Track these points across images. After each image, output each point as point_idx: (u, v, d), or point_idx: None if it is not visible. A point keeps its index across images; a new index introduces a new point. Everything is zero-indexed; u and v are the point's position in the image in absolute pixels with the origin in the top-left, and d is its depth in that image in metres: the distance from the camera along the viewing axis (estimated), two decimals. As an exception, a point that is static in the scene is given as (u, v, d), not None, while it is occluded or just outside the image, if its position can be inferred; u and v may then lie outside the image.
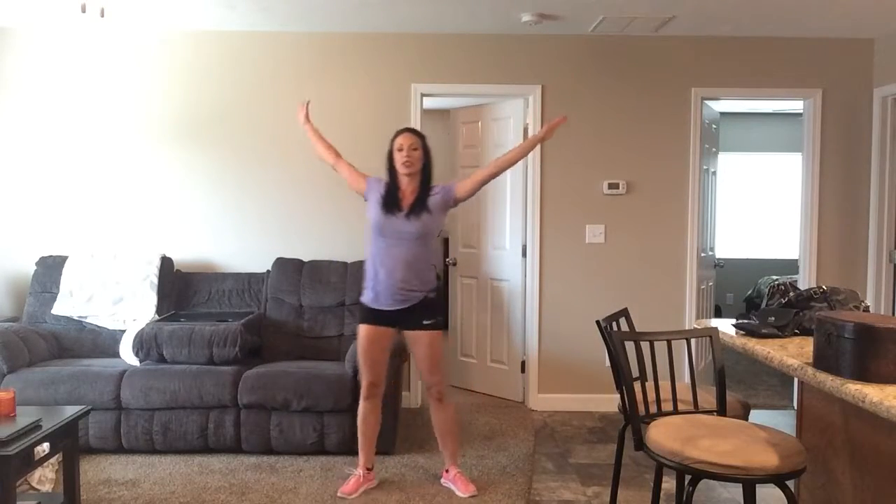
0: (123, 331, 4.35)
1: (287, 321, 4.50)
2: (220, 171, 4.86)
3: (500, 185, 5.02)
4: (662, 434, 2.19)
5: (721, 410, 2.55)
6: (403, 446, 4.12)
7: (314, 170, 4.73)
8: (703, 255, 5.09)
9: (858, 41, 4.87)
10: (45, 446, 2.76)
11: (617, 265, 4.93)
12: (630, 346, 2.52)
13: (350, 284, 4.51)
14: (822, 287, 2.71)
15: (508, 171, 5.07)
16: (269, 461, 3.89)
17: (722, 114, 7.00)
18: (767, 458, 2.01)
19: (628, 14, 4.37)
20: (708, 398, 2.63)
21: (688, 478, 2.25)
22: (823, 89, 4.87)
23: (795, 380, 4.68)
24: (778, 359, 2.27)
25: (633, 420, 2.40)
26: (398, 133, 3.43)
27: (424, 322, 3.38)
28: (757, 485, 2.09)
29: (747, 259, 8.39)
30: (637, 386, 2.56)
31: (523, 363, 5.04)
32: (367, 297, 3.43)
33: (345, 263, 4.66)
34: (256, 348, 4.35)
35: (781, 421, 4.70)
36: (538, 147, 4.80)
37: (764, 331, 2.58)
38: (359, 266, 4.31)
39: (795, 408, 3.40)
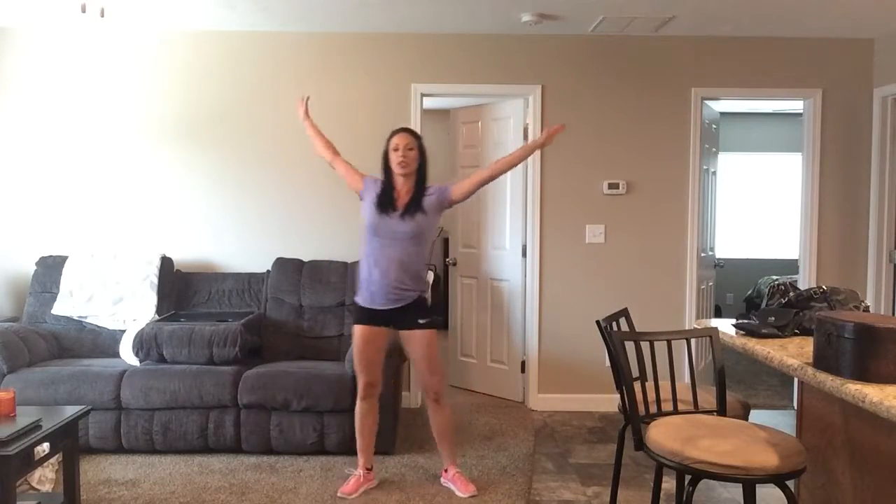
0: (123, 331, 4.35)
1: (287, 321, 4.50)
2: (220, 171, 4.87)
3: (500, 185, 5.02)
4: (662, 434, 2.19)
5: (721, 410, 2.55)
6: (403, 446, 4.12)
7: (314, 170, 4.73)
8: (703, 255, 5.09)
9: (858, 41, 4.87)
10: (45, 446, 2.76)
11: (617, 265, 4.93)
12: (630, 346, 2.52)
13: (350, 284, 4.51)
14: (822, 287, 2.71)
15: (508, 172, 5.10)
16: (269, 461, 3.89)
17: (722, 114, 7.00)
18: (767, 458, 2.01)
19: (628, 14, 4.37)
20: (708, 398, 2.63)
21: (688, 478, 2.25)
22: (823, 89, 4.87)
23: (795, 380, 4.68)
24: (778, 359, 2.27)
25: (633, 420, 2.40)
26: (394, 133, 3.43)
27: (420, 321, 3.38)
28: (757, 485, 2.09)
29: (747, 259, 8.39)
30: (637, 386, 2.56)
31: (523, 363, 5.05)
32: (361, 297, 3.43)
33: (345, 263, 4.67)
34: (256, 348, 4.35)
35: (781, 421, 4.70)
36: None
37: (764, 331, 2.58)
38: (358, 266, 4.31)
39: (795, 408, 3.40)
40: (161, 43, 4.82)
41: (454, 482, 3.50)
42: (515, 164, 3.53)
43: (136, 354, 4.07)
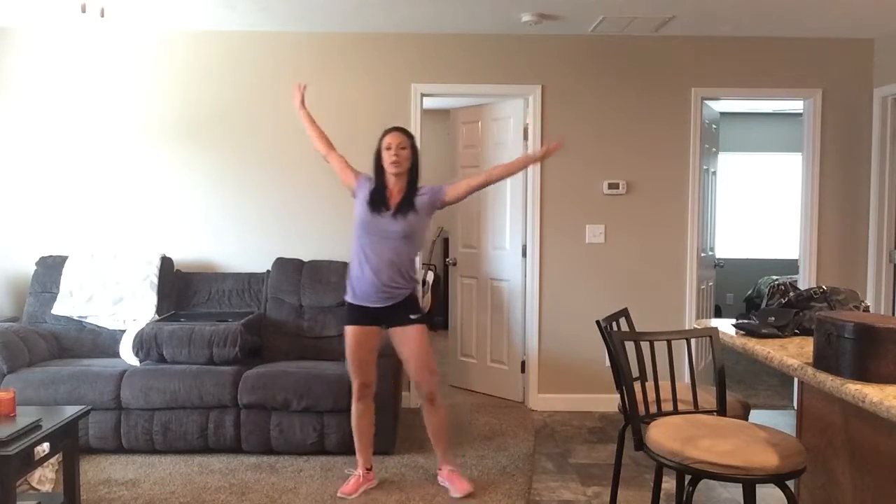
0: (123, 331, 4.35)
1: (287, 321, 4.50)
2: (220, 171, 4.87)
3: (501, 185, 5.00)
4: (662, 434, 2.19)
5: (721, 410, 2.55)
6: (403, 446, 4.12)
7: (314, 170, 4.73)
8: (703, 255, 5.09)
9: (858, 41, 4.87)
10: (45, 446, 2.76)
11: (617, 265, 4.93)
12: (630, 346, 2.52)
13: (350, 284, 4.51)
14: (822, 287, 2.71)
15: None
16: (269, 461, 3.89)
17: (722, 114, 7.00)
18: (767, 458, 2.01)
19: (628, 14, 4.37)
20: (708, 398, 2.63)
21: (688, 478, 2.25)
22: (823, 89, 4.87)
23: (795, 380, 4.68)
24: (778, 359, 2.28)
25: (633, 420, 2.40)
26: (386, 132, 3.43)
27: (411, 316, 3.39)
28: (757, 485, 2.09)
29: (747, 259, 8.39)
30: (637, 386, 2.56)
31: (523, 363, 5.04)
32: (351, 295, 3.43)
33: (345, 263, 4.64)
34: (256, 348, 4.35)
35: (781, 421, 4.70)
36: (538, 147, 4.81)
37: (764, 331, 2.58)
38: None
39: (795, 408, 3.40)
40: (161, 43, 4.82)
41: (449, 481, 3.49)
42: (511, 174, 3.55)
43: (136, 354, 4.08)
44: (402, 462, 3.89)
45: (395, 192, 3.38)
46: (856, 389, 1.86)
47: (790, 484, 2.08)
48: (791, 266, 6.08)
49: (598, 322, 2.81)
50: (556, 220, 4.91)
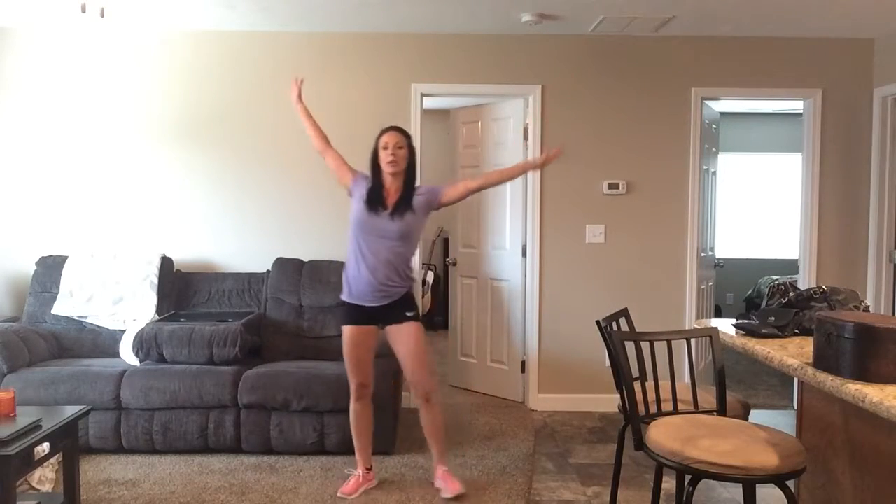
0: (123, 331, 4.35)
1: (287, 321, 4.50)
2: (220, 171, 4.87)
3: (501, 185, 5.01)
4: (662, 434, 2.19)
5: (721, 410, 2.55)
6: (403, 446, 4.12)
7: (314, 170, 4.73)
8: (703, 255, 5.09)
9: (858, 41, 4.87)
10: (45, 446, 2.76)
11: (617, 265, 4.93)
12: (630, 346, 2.52)
13: (350, 284, 4.51)
14: (822, 287, 2.72)
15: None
16: (269, 461, 3.89)
17: (722, 114, 6.99)
18: (767, 458, 2.01)
19: (628, 14, 4.37)
20: (708, 398, 2.63)
21: (688, 478, 2.25)
22: (823, 89, 4.87)
23: (795, 380, 4.67)
24: (778, 359, 2.28)
25: (633, 420, 2.40)
26: (383, 131, 3.42)
27: (407, 314, 3.39)
28: (757, 485, 2.09)
29: (747, 259, 8.38)
30: (637, 386, 2.56)
31: (523, 363, 5.04)
32: (347, 294, 3.43)
33: (345, 263, 4.65)
34: (256, 348, 4.35)
35: (781, 421, 4.70)
36: (538, 147, 4.84)
37: (764, 331, 2.58)
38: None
39: (795, 408, 3.40)
40: (161, 43, 4.82)
41: (443, 481, 3.46)
42: (509, 179, 3.57)
43: (136, 354, 4.07)
44: (402, 462, 3.89)
45: (392, 192, 3.38)
46: (856, 389, 1.86)
47: (790, 484, 2.08)
48: (791, 266, 6.08)
49: (598, 322, 2.81)
50: (556, 220, 4.91)
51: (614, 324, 2.91)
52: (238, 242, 4.88)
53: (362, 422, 3.53)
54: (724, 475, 2.03)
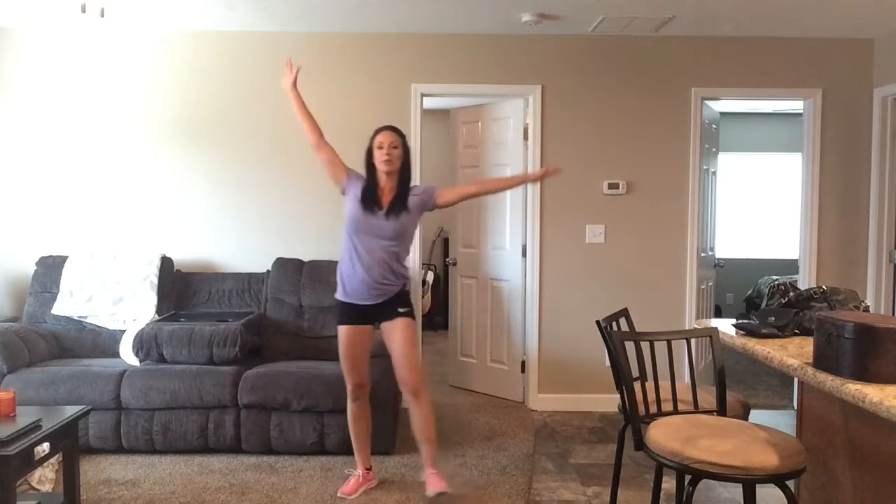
0: (123, 331, 4.35)
1: (287, 321, 4.50)
2: (220, 171, 4.87)
3: (500, 185, 5.02)
4: (662, 434, 2.19)
5: (721, 410, 2.55)
6: (403, 446, 4.11)
7: (314, 170, 4.71)
8: (703, 255, 5.09)
9: (858, 41, 4.87)
10: (45, 446, 2.76)
11: (617, 265, 4.93)
12: (630, 346, 2.52)
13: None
14: (822, 287, 2.71)
15: (508, 170, 5.10)
16: (269, 461, 3.89)
17: (722, 114, 6.99)
18: (767, 458, 2.01)
19: (628, 14, 4.37)
20: (708, 398, 2.63)
21: (688, 478, 2.24)
22: (823, 89, 4.87)
23: (795, 380, 4.67)
24: (778, 359, 2.27)
25: (633, 420, 2.40)
26: (378, 131, 3.42)
27: (399, 310, 3.39)
28: (757, 485, 2.09)
29: (747, 259, 8.38)
30: (637, 386, 2.56)
31: (523, 363, 5.04)
32: (342, 292, 3.43)
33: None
34: (256, 348, 4.35)
35: (781, 421, 4.70)
36: (538, 147, 4.84)
37: (764, 331, 2.58)
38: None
39: (795, 408, 3.40)
40: (161, 43, 4.81)
41: (427, 481, 3.39)
42: (505, 189, 3.60)
43: (136, 354, 4.07)
44: (402, 462, 3.89)
45: (386, 191, 3.38)
46: (856, 389, 1.86)
47: (790, 484, 2.08)
48: (791, 266, 6.08)
49: (598, 322, 2.81)
50: (556, 220, 4.91)
51: (614, 324, 2.91)
52: (238, 242, 4.88)
53: (360, 422, 3.53)
54: (724, 475, 2.03)
